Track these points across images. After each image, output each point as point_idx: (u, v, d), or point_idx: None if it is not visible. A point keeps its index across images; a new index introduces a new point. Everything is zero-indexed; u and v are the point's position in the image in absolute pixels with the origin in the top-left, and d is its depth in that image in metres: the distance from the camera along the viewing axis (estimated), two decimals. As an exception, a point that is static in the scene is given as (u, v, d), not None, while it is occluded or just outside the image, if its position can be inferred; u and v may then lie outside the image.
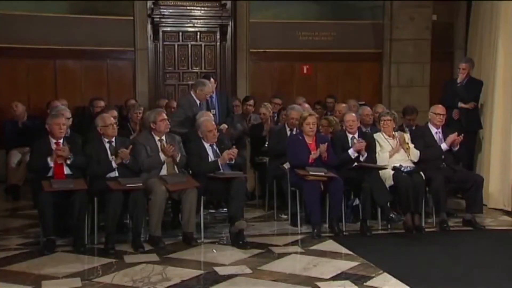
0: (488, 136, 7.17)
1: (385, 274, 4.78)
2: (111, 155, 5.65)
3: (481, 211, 6.45)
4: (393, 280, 4.65)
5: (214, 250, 5.46)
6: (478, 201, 6.34)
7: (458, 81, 7.27)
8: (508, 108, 6.93)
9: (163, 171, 5.84)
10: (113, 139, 5.75)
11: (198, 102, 6.86)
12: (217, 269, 4.91)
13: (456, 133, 6.39)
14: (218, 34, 9.55)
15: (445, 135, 6.52)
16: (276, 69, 9.47)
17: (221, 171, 5.90)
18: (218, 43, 9.57)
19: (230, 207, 5.77)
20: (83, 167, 5.61)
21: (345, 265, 5.02)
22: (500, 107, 7.01)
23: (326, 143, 6.26)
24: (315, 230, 5.92)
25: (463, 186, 6.43)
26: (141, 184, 5.51)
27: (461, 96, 7.18)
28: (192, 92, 6.98)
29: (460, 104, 7.18)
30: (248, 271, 4.87)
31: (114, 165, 5.59)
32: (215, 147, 6.09)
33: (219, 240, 5.76)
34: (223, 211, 6.53)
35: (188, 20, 9.52)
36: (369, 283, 4.60)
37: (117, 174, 5.63)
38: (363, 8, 9.37)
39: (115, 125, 5.84)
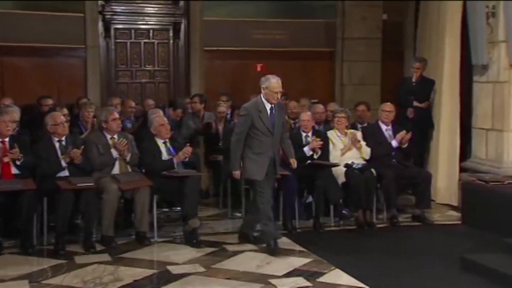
0: (436, 134, 7.35)
1: (337, 270, 4.85)
2: (61, 154, 5.53)
3: (430, 206, 6.64)
4: (345, 276, 4.72)
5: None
6: (427, 197, 6.52)
7: (413, 80, 7.41)
8: (454, 107, 7.12)
9: (116, 170, 5.77)
10: (63, 138, 5.64)
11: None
12: (170, 268, 4.88)
13: (404, 131, 6.53)
14: (171, 32, 9.47)
15: (395, 133, 6.65)
16: (230, 67, 9.45)
17: (175, 169, 5.87)
18: (171, 41, 9.49)
19: (184, 206, 5.74)
20: (32, 166, 5.48)
21: (298, 261, 5.06)
22: (447, 106, 7.19)
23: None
24: (269, 227, 5.96)
25: (413, 182, 6.59)
26: (92, 183, 5.42)
27: (416, 95, 7.32)
28: None
29: (416, 104, 7.31)
30: (202, 269, 4.86)
31: (63, 164, 5.48)
32: (168, 145, 6.05)
33: (172, 239, 5.73)
34: (176, 210, 6.49)
35: (141, 18, 9.39)
36: (321, 279, 4.66)
37: (67, 174, 5.52)
38: (316, 7, 9.45)
39: (65, 123, 5.73)
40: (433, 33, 7.48)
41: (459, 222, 6.43)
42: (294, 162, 5.53)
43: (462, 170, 6.98)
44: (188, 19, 9.32)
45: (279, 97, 5.32)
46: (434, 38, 7.44)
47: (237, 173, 5.35)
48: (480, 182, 6.22)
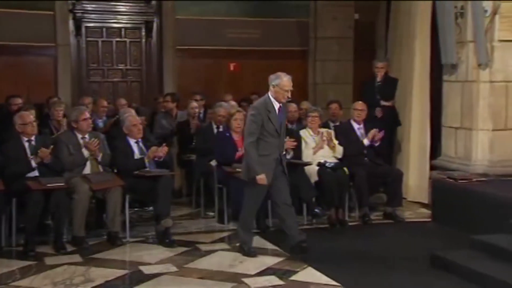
0: (407, 133, 7.44)
1: (310, 268, 4.88)
2: (31, 154, 5.45)
3: (401, 204, 6.71)
4: (317, 274, 4.75)
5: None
6: (398, 195, 6.60)
7: (378, 80, 7.48)
8: (424, 106, 7.21)
9: (87, 170, 5.71)
10: (33, 138, 5.56)
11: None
12: (142, 268, 4.85)
13: (376, 129, 6.59)
14: (143, 30, 9.40)
15: (367, 131, 6.71)
16: (203, 66, 9.42)
17: (147, 169, 5.83)
18: (143, 40, 9.42)
19: (156, 206, 5.71)
20: (0, 166, 5.38)
21: (271, 260, 5.08)
22: (417, 105, 7.28)
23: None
24: (242, 226, 5.97)
25: (385, 180, 6.66)
26: (63, 183, 5.35)
27: (381, 94, 7.40)
28: None
29: (383, 103, 7.38)
30: (174, 269, 4.84)
31: (33, 164, 5.41)
32: (140, 144, 6.01)
33: (145, 239, 5.69)
34: (149, 209, 6.45)
35: (112, 16, 9.30)
36: (294, 277, 4.68)
37: (37, 174, 5.44)
38: (288, 7, 9.48)
39: (34, 123, 5.64)
40: (403, 33, 7.57)
41: (430, 219, 6.51)
42: None
43: (432, 168, 7.07)
44: (161, 17, 9.27)
45: (289, 96, 5.10)
46: (405, 37, 7.53)
47: (262, 178, 4.97)
48: (449, 180, 6.31)
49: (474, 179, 6.20)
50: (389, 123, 7.35)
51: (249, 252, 5.18)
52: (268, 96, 5.06)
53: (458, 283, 4.54)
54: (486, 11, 6.19)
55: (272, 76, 5.06)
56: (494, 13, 6.17)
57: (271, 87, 5.04)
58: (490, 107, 6.37)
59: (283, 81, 4.99)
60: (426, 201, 7.00)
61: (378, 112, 7.31)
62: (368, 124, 6.78)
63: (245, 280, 4.59)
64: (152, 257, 5.15)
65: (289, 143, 6.30)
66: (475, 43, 6.33)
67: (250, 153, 5.01)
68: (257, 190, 5.08)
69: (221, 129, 6.82)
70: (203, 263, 5.01)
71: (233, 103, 7.75)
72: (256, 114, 5.01)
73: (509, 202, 5.47)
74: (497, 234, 5.04)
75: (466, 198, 6.00)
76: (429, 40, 7.10)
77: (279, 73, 5.08)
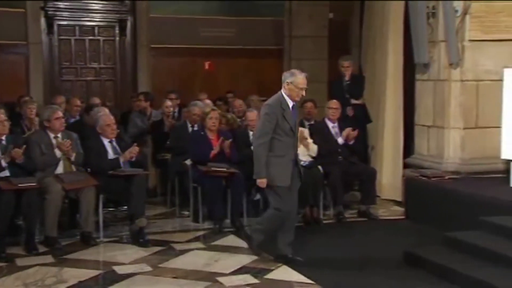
0: (381, 131, 7.50)
1: (284, 266, 4.90)
2: (2, 154, 5.37)
3: (375, 202, 6.77)
4: (292, 272, 4.77)
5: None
6: (372, 193, 6.66)
7: (346, 79, 7.52)
8: (397, 104, 7.28)
9: (59, 170, 5.64)
10: (3, 138, 5.48)
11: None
12: (116, 268, 4.81)
13: (350, 128, 6.64)
14: (117, 29, 9.33)
15: (341, 130, 6.76)
16: (178, 65, 9.38)
17: (122, 168, 5.79)
18: (117, 38, 9.35)
19: (131, 205, 5.68)
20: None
21: (246, 259, 5.07)
22: (391, 104, 7.34)
23: (230, 140, 6.31)
24: (217, 225, 5.98)
25: (359, 179, 6.71)
26: (34, 183, 5.28)
27: (350, 93, 7.44)
28: None
29: (353, 101, 7.42)
30: (148, 269, 4.82)
31: (4, 164, 5.32)
32: (114, 143, 5.96)
33: (119, 239, 5.65)
34: (123, 209, 6.40)
35: (85, 14, 9.21)
36: (268, 276, 4.70)
37: (8, 174, 5.36)
38: (263, 6, 9.49)
39: (5, 122, 5.55)
40: (377, 32, 7.63)
41: (403, 217, 6.58)
42: None
43: (406, 166, 7.13)
44: (135, 16, 9.20)
45: (304, 94, 4.90)
46: (379, 37, 7.59)
47: (263, 182, 4.81)
48: (422, 177, 6.39)
49: (446, 177, 6.28)
50: (361, 121, 7.41)
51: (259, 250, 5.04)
52: (282, 94, 4.84)
53: (431, 280, 4.59)
54: (457, 11, 6.27)
55: (286, 74, 4.86)
56: (465, 13, 6.26)
57: (284, 85, 4.82)
58: (461, 105, 6.46)
59: (298, 78, 4.78)
60: (399, 199, 7.06)
61: (349, 111, 7.35)
62: (341, 123, 6.82)
63: (220, 279, 4.59)
64: (126, 257, 5.12)
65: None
66: (446, 42, 6.41)
67: (259, 154, 4.79)
68: (282, 192, 4.83)
69: (196, 128, 6.80)
70: (178, 263, 4.99)
71: (208, 102, 7.73)
72: (271, 113, 4.76)
73: (480, 199, 5.56)
74: (469, 231, 5.10)
75: (439, 195, 6.08)
76: (402, 39, 7.17)
77: (294, 70, 4.92)
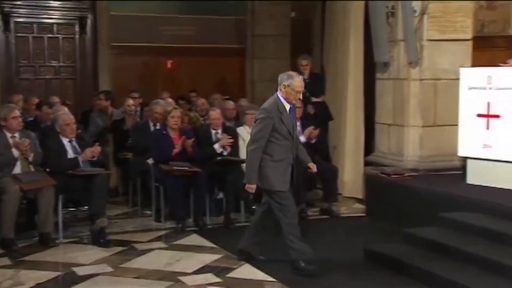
0: (343, 130, 7.57)
1: (247, 264, 4.90)
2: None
3: (337, 200, 6.84)
4: (255, 270, 4.78)
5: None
6: (334, 191, 6.73)
7: (305, 77, 7.55)
8: (358, 103, 7.36)
9: (17, 170, 5.52)
10: (-42, 137, 5.34)
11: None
12: (75, 269, 4.74)
13: (312, 126, 6.69)
14: (77, 26, 9.19)
15: (303, 128, 6.80)
16: (139, 63, 9.32)
17: (81, 168, 5.70)
18: (77, 36, 9.21)
19: (91, 205, 5.61)
20: None
21: (208, 258, 5.07)
22: (352, 102, 7.42)
23: (192, 139, 6.29)
24: (180, 224, 5.95)
25: (321, 177, 6.76)
26: (-10, 184, 5.16)
27: (311, 91, 7.47)
28: None
29: (313, 99, 7.47)
30: (109, 269, 4.76)
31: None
32: (74, 143, 5.87)
33: (79, 239, 5.57)
34: (84, 209, 6.31)
35: (44, 12, 9.05)
36: (231, 274, 4.70)
37: (-37, 174, 5.23)
38: (225, 5, 9.49)
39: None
40: (338, 31, 7.70)
41: (364, 214, 6.66)
42: (313, 166, 5.05)
43: (367, 164, 7.23)
44: (95, 14, 9.08)
45: (300, 97, 4.81)
46: (340, 36, 7.66)
47: (252, 187, 4.69)
48: (382, 175, 6.48)
49: (406, 174, 6.38)
50: (322, 119, 7.46)
51: (314, 270, 4.68)
52: (278, 97, 4.69)
53: (391, 275, 4.65)
54: (415, 11, 6.38)
55: (283, 76, 4.72)
56: (423, 13, 6.37)
57: (281, 87, 4.68)
58: (420, 104, 6.57)
59: (295, 81, 4.66)
60: (361, 197, 7.15)
61: (311, 109, 7.39)
62: (303, 121, 6.87)
63: (182, 278, 4.57)
64: (87, 257, 5.05)
65: (225, 140, 6.32)
66: (405, 42, 6.52)
67: (253, 159, 4.66)
68: (282, 196, 4.69)
69: (158, 127, 6.75)
70: (140, 263, 4.95)
71: (170, 100, 7.70)
72: (267, 117, 4.62)
73: (438, 196, 5.66)
74: (427, 227, 5.20)
75: (398, 192, 6.17)
76: (362, 38, 7.25)
77: (291, 73, 4.79)
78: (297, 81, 4.68)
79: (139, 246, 5.38)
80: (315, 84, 7.51)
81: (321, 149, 7.10)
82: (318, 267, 4.68)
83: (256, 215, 5.08)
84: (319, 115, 7.40)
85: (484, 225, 4.90)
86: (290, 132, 4.71)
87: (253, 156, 4.66)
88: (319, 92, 7.53)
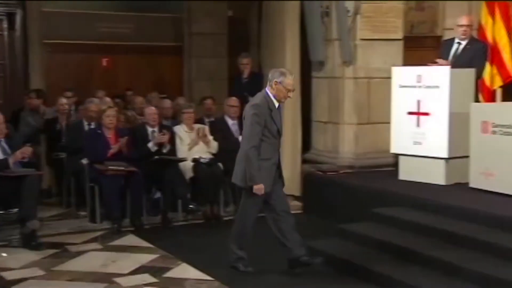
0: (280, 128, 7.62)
1: (184, 264, 4.88)
2: None
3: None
4: (192, 270, 4.76)
5: (4, 254, 5.08)
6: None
7: (245, 76, 7.58)
8: (295, 101, 7.41)
9: None
10: None
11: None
12: (4, 274, 4.58)
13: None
14: (5, 22, 8.83)
15: (241, 127, 6.80)
16: (73, 61, 9.07)
17: (11, 169, 5.50)
18: (6, 33, 8.86)
19: (21, 207, 5.42)
20: None
21: (145, 258, 5.01)
22: (289, 100, 7.38)
23: (127, 137, 6.20)
24: (115, 225, 5.86)
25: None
26: None
27: (249, 91, 7.49)
28: None
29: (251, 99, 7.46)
30: (41, 273, 4.63)
31: None
32: (3, 143, 5.66)
33: (8, 243, 5.38)
34: (14, 211, 6.09)
35: (-33, 7, 8.67)
36: (168, 274, 4.66)
37: None
38: (162, 2, 9.38)
39: None
40: (275, 30, 7.72)
41: (301, 211, 6.74)
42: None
43: (304, 161, 7.32)
44: (25, 9, 8.76)
45: (291, 95, 4.67)
46: (276, 35, 7.68)
47: (260, 187, 4.47)
48: (318, 172, 6.59)
49: (341, 171, 6.51)
50: None
51: (247, 269, 4.69)
52: (268, 94, 4.56)
53: (326, 270, 4.72)
54: (348, 11, 6.52)
55: (275, 73, 4.59)
56: (356, 13, 6.52)
57: (272, 84, 4.54)
58: (355, 102, 6.72)
59: (288, 79, 4.53)
60: (298, 194, 7.23)
61: None
62: (242, 119, 6.86)
63: (118, 279, 4.50)
64: (16, 261, 4.88)
65: (159, 137, 6.27)
66: (340, 41, 6.65)
67: (252, 159, 4.45)
68: (255, 199, 4.58)
69: (92, 126, 6.61)
70: (73, 265, 4.84)
71: (107, 99, 7.54)
72: (260, 113, 4.47)
73: (372, 192, 5.81)
74: (361, 223, 5.32)
75: (334, 189, 6.29)
76: (298, 38, 7.33)
77: (284, 70, 4.68)
78: (290, 79, 4.57)
79: (73, 248, 5.26)
80: (255, 84, 7.50)
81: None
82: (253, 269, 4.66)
83: (279, 226, 4.75)
84: None
85: (415, 220, 5.05)
86: (279, 131, 4.60)
87: (251, 156, 4.47)
88: (257, 92, 7.50)
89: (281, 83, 4.53)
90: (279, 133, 4.60)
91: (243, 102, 7.22)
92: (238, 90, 7.44)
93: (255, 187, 4.49)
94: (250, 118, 4.52)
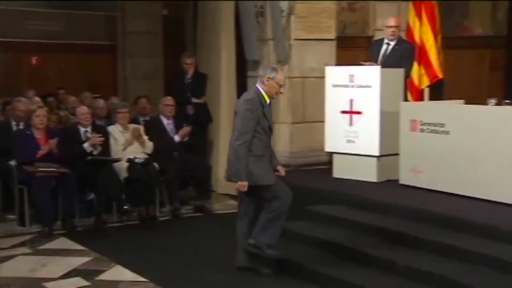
0: (217, 127, 7.61)
1: (118, 266, 4.80)
2: None
3: (210, 197, 6.88)
4: (126, 272, 4.69)
5: None
6: (207, 188, 6.78)
7: (188, 76, 7.49)
8: (231, 100, 7.42)
9: None
10: None
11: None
12: None
13: (188, 127, 6.68)
14: None
15: (177, 126, 6.77)
16: (1, 60, 8.75)
17: None
18: None
19: None
20: None
21: (77, 261, 4.90)
22: (226, 100, 7.47)
23: (57, 138, 6.03)
24: (46, 228, 5.70)
25: (194, 175, 6.77)
26: None
27: (193, 91, 7.42)
28: None
29: (194, 100, 7.40)
30: (-36, 281, 4.44)
31: None
32: None
33: None
34: None
35: None
36: (101, 277, 4.58)
37: None
38: (95, 0, 9.18)
39: None
40: (210, 30, 7.71)
41: (237, 210, 6.74)
42: (282, 169, 4.76)
43: (240, 160, 7.32)
44: None
45: (282, 91, 4.64)
46: (213, 35, 7.66)
47: (244, 185, 4.42)
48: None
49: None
50: (202, 120, 7.43)
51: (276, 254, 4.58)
52: (259, 90, 4.50)
53: (262, 269, 4.74)
54: (283, 11, 6.59)
55: (266, 69, 4.58)
56: (290, 13, 6.60)
57: (263, 80, 4.49)
58: (290, 101, 6.79)
59: (280, 74, 4.49)
60: (235, 193, 7.22)
61: (190, 110, 7.33)
62: (180, 122, 6.82)
63: (48, 284, 4.38)
64: None
65: (95, 138, 6.14)
66: (274, 41, 6.70)
67: (242, 155, 4.39)
68: (274, 188, 4.51)
69: (21, 127, 6.40)
70: (0, 271, 4.65)
71: (37, 99, 7.30)
72: (253, 109, 4.41)
73: (307, 191, 5.86)
74: (296, 221, 5.36)
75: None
76: (233, 37, 7.34)
77: (276, 66, 4.65)
78: (282, 75, 4.54)
79: (0, 253, 5.06)
80: (198, 84, 7.43)
81: (197, 149, 7.10)
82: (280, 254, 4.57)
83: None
84: (198, 116, 7.35)
85: (349, 217, 5.17)
86: (270, 127, 4.57)
87: (240, 152, 4.40)
88: (200, 93, 7.44)
89: (273, 79, 4.49)
90: (270, 129, 4.58)
91: (186, 103, 7.19)
92: (180, 90, 7.33)
93: (239, 183, 4.46)
94: (243, 114, 4.45)
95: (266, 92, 4.52)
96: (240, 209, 4.79)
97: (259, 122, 4.45)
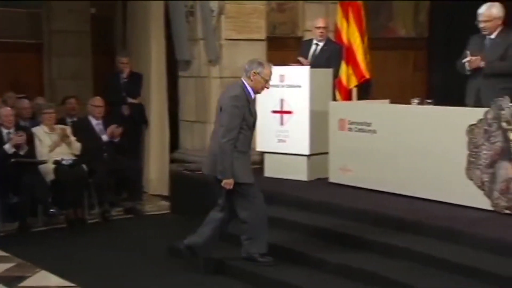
0: (147, 127, 7.53)
1: (44, 271, 4.68)
2: None
3: (141, 198, 6.81)
4: (52, 277, 4.58)
5: None
6: (138, 189, 6.72)
7: (124, 76, 7.33)
8: (162, 101, 7.36)
9: None
10: None
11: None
12: None
13: (115, 125, 6.55)
14: None
15: (106, 127, 6.63)
16: None
17: None
18: None
19: None
20: None
21: (-1, 268, 4.71)
22: (156, 100, 7.39)
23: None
24: (-35, 234, 5.45)
25: (124, 175, 6.66)
26: None
27: (128, 91, 7.26)
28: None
29: (130, 100, 7.23)
30: None
31: None
32: None
33: None
34: None
35: None
36: (24, 283, 4.45)
37: None
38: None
39: None
40: (140, 30, 7.61)
41: (169, 211, 6.69)
42: None
43: (172, 161, 7.26)
44: None
45: (269, 87, 4.54)
46: (142, 35, 7.56)
47: (230, 182, 4.37)
48: (186, 172, 6.58)
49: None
50: (137, 120, 7.30)
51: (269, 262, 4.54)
52: (244, 85, 4.45)
53: (193, 270, 4.71)
54: (213, 11, 6.59)
55: (252, 64, 4.48)
56: (220, 13, 6.60)
57: (249, 75, 4.42)
58: (221, 101, 6.77)
59: (266, 69, 4.44)
60: (166, 194, 7.17)
61: (125, 110, 7.19)
62: (115, 123, 6.66)
63: (-38, 294, 4.18)
64: None
65: (16, 138, 5.94)
66: (205, 41, 6.69)
67: (228, 153, 4.34)
68: (251, 189, 4.49)
69: None
70: None
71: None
72: (240, 106, 4.36)
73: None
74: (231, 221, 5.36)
75: (201, 188, 6.27)
76: (163, 37, 7.27)
77: (261, 61, 4.59)
78: (269, 70, 4.48)
79: None
80: (133, 84, 7.29)
81: (130, 150, 6.98)
82: (272, 259, 4.54)
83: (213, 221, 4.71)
84: (133, 117, 7.21)
85: (281, 216, 5.19)
86: (254, 124, 4.53)
87: (226, 149, 4.35)
88: (136, 93, 7.30)
89: (259, 74, 4.44)
90: (254, 125, 4.55)
91: (121, 103, 7.04)
92: (115, 90, 7.17)
93: (225, 181, 4.41)
94: (230, 110, 4.39)
95: (252, 87, 4.48)
96: (219, 203, 4.72)
97: (245, 118, 4.42)
